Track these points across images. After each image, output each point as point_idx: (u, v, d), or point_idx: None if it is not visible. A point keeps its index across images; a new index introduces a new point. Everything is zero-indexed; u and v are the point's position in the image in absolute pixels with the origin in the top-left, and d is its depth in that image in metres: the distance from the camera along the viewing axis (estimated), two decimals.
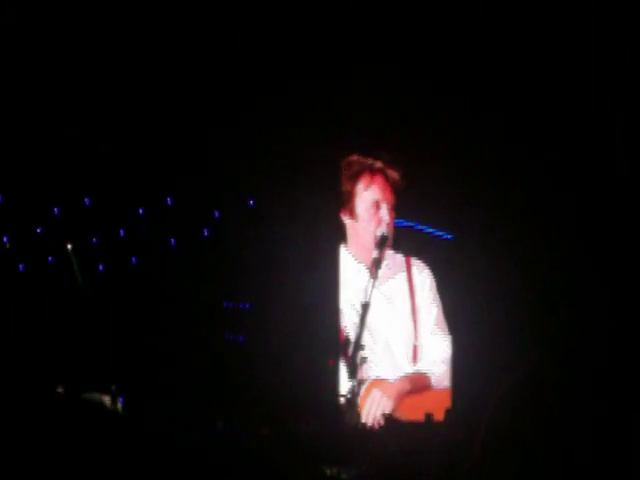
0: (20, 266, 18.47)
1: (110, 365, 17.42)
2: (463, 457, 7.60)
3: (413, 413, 11.16)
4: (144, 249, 18.45)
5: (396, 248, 13.07)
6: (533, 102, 13.35)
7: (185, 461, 7.71)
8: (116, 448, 7.57)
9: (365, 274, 11.85)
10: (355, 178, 13.09)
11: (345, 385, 11.52)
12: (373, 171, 12.64)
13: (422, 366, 12.30)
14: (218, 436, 11.28)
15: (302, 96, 15.30)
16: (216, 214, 18.42)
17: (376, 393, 11.61)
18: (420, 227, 14.05)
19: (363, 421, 11.05)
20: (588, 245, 12.93)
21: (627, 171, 12.86)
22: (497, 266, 13.32)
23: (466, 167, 13.95)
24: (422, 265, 12.87)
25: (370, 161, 12.78)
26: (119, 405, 16.47)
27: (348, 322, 12.41)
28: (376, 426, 10.72)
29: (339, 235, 15.42)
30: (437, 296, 12.67)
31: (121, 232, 18.61)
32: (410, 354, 12.84)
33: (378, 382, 12.01)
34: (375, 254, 11.62)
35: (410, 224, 13.88)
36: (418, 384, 12.10)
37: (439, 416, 9.83)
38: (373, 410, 11.64)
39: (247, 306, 18.68)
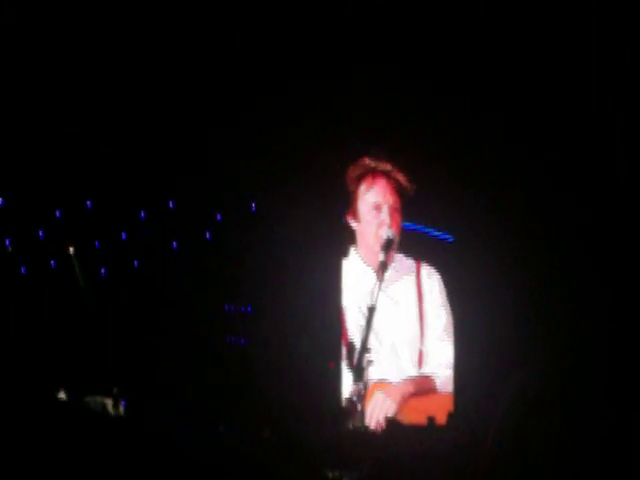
0: (22, 269, 18.48)
1: (112, 368, 17.42)
2: (466, 461, 7.60)
3: (416, 416, 11.14)
4: (146, 252, 18.45)
5: (406, 252, 13.06)
6: (532, 103, 13.35)
7: (187, 464, 7.71)
8: (118, 451, 7.56)
9: (372, 277, 11.85)
10: (358, 180, 13.11)
11: (350, 388, 11.51)
12: (375, 173, 12.63)
13: (428, 369, 12.29)
14: (220, 439, 11.28)
15: (303, 99, 15.31)
16: (218, 217, 18.42)
17: (379, 396, 11.60)
18: (419, 228, 14.04)
19: (366, 424, 11.04)
20: (589, 245, 12.93)
21: (627, 171, 12.86)
22: (498, 268, 13.31)
23: (465, 168, 13.94)
24: (432, 270, 12.85)
25: (374, 164, 12.79)
26: (121, 408, 16.48)
27: (354, 325, 12.42)
28: (379, 429, 10.71)
29: (341, 238, 15.42)
30: (446, 302, 12.66)
31: (123, 235, 18.62)
32: (415, 358, 12.82)
33: (381, 384, 12.00)
34: (381, 257, 11.60)
35: (410, 225, 13.88)
36: (423, 387, 12.09)
37: (442, 420, 9.83)
38: (376, 413, 11.63)
39: (249, 309, 18.69)
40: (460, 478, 7.28)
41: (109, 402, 16.23)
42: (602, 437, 7.15)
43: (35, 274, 18.26)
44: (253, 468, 8.93)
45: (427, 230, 13.89)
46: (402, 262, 12.30)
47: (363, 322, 11.28)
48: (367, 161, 13.16)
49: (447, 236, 13.96)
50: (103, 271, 18.83)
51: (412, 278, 12.35)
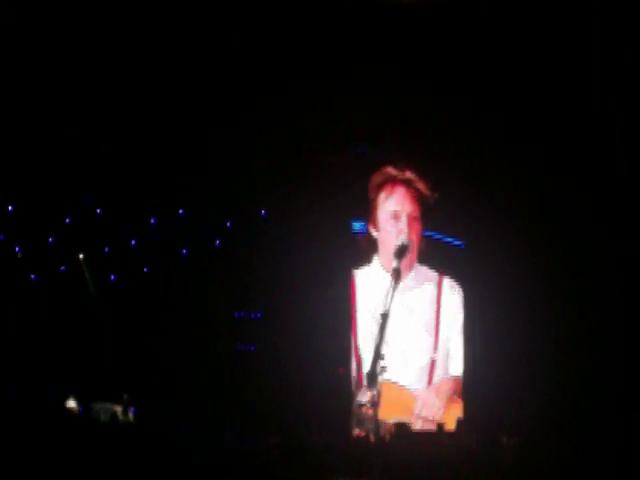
0: (32, 276, 18.53)
1: (122, 375, 17.43)
2: (476, 467, 7.55)
3: (451, 420, 11.10)
4: (156, 259, 18.48)
5: (430, 264, 13.05)
6: (543, 108, 13.32)
7: (195, 470, 7.67)
8: (126, 458, 7.53)
9: (388, 284, 11.80)
10: (378, 189, 13.11)
11: (363, 393, 11.45)
12: (395, 182, 12.63)
13: (436, 379, 12.24)
14: (228, 446, 11.22)
15: (314, 107, 15.31)
16: (228, 224, 18.45)
17: (429, 395, 11.53)
18: (431, 234, 14.03)
19: (383, 428, 10.94)
20: (599, 248, 12.88)
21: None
22: (509, 272, 13.27)
23: (476, 175, 13.91)
24: (455, 284, 12.81)
25: (395, 172, 12.79)
26: (131, 415, 16.48)
27: (368, 331, 12.37)
28: (388, 436, 10.65)
29: (350, 244, 15.38)
30: (462, 315, 12.61)
31: (133, 242, 18.65)
32: (426, 367, 12.78)
33: (390, 385, 11.96)
34: (394, 264, 11.51)
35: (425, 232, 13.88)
36: (458, 388, 12.08)
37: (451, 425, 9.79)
38: (425, 412, 11.56)
39: (258, 315, 18.71)
40: None
41: (119, 408, 16.25)
42: (618, 442, 7.09)
43: (45, 280, 18.29)
44: (262, 475, 8.88)
45: (439, 236, 13.88)
46: (424, 273, 12.25)
47: (376, 329, 11.20)
48: (389, 170, 13.18)
49: (458, 242, 13.96)
50: (113, 277, 18.87)
51: (432, 288, 12.28)
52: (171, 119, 16.07)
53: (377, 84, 14.17)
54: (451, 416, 10.35)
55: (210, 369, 17.10)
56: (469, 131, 13.76)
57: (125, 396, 18.52)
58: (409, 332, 12.01)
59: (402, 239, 11.66)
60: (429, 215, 13.34)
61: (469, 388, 13.25)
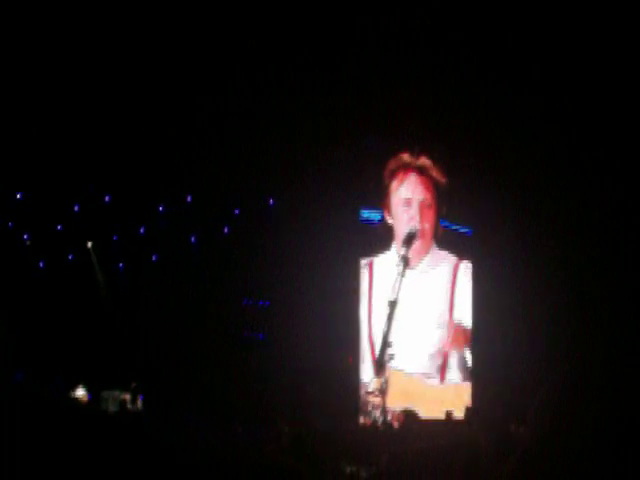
0: (40, 263, 18.54)
1: (130, 363, 17.45)
2: (483, 455, 7.54)
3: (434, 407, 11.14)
4: (164, 246, 18.48)
5: (449, 249, 13.08)
6: (549, 100, 13.29)
7: (202, 458, 7.69)
8: (135, 449, 7.55)
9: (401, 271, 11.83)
10: (391, 176, 13.21)
11: (371, 382, 11.51)
12: (408, 169, 12.69)
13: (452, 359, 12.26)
14: (237, 435, 11.27)
15: (321, 96, 15.29)
16: (236, 212, 18.43)
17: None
18: (444, 223, 14.04)
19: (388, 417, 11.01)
20: (606, 244, 12.85)
21: None
22: (522, 258, 13.26)
23: (486, 166, 13.89)
24: (469, 268, 12.83)
25: (410, 159, 12.85)
26: (139, 403, 16.51)
27: (380, 318, 12.43)
28: (396, 424, 10.70)
29: (359, 233, 15.40)
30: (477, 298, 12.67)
31: (141, 230, 18.65)
32: (436, 353, 12.79)
33: (396, 373, 11.98)
34: (402, 251, 11.59)
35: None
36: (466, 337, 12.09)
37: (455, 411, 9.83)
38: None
39: (266, 303, 18.71)
40: (475, 472, 7.22)
41: (127, 397, 16.29)
42: (629, 432, 7.08)
43: (53, 268, 18.30)
44: (271, 463, 8.89)
45: (447, 224, 13.89)
46: (441, 257, 12.31)
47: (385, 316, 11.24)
48: (404, 156, 13.25)
49: (466, 229, 13.96)
50: (121, 265, 18.88)
51: (448, 272, 12.37)
52: (180, 108, 16.09)
53: (388, 74, 14.16)
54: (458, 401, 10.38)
55: (218, 356, 17.11)
56: (484, 119, 13.73)
57: (134, 384, 18.60)
58: (421, 318, 12.08)
59: (411, 227, 11.73)
60: (443, 202, 13.37)
61: (478, 377, 13.29)
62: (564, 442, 6.51)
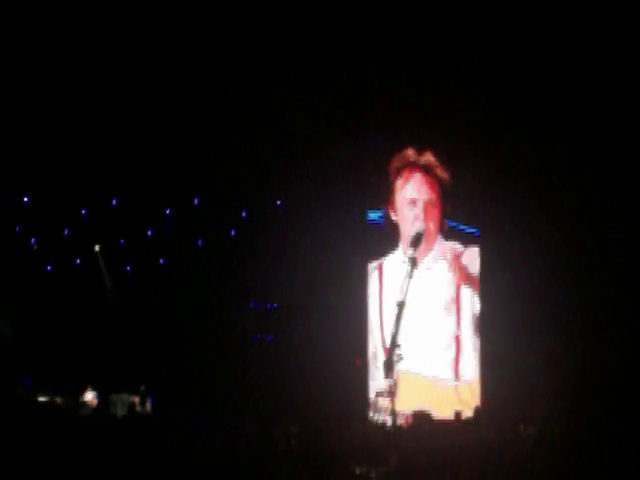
0: (48, 267, 18.56)
1: (139, 366, 17.45)
2: (493, 455, 7.54)
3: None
4: (171, 250, 18.49)
5: (452, 239, 13.08)
6: (553, 96, 13.26)
7: (211, 459, 7.69)
8: (144, 451, 7.55)
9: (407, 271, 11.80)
10: (396, 174, 13.19)
11: (380, 383, 11.49)
12: (413, 168, 12.68)
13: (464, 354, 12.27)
14: (245, 435, 11.26)
15: (325, 97, 15.28)
16: (243, 214, 18.44)
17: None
18: (450, 223, 14.05)
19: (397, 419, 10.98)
20: (612, 243, 12.83)
21: None
22: (526, 260, 13.23)
23: (490, 166, 13.87)
24: (474, 253, 12.76)
25: (415, 157, 12.83)
26: (148, 405, 16.51)
27: (389, 319, 12.40)
28: (405, 425, 10.67)
29: (365, 234, 15.39)
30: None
31: (149, 233, 18.66)
32: (448, 348, 12.77)
33: (408, 376, 11.96)
34: (410, 252, 11.53)
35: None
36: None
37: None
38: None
39: (275, 306, 18.72)
40: (486, 472, 7.22)
41: (136, 399, 16.30)
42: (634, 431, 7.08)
43: (61, 272, 18.31)
44: (281, 464, 8.91)
45: (454, 224, 13.88)
46: (443, 248, 12.30)
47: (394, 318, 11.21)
48: (408, 152, 13.24)
49: (473, 229, 13.96)
50: (129, 269, 18.89)
51: (451, 262, 12.37)
52: (185, 112, 16.09)
53: (391, 71, 14.15)
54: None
55: (227, 359, 17.11)
56: (487, 129, 13.72)
57: (142, 387, 18.62)
58: (429, 315, 12.07)
59: (417, 227, 11.70)
60: (448, 200, 13.34)
61: (487, 373, 13.26)
62: (572, 442, 6.50)
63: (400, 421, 11.38)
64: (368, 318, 15.25)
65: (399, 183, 12.90)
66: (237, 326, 17.94)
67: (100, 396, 16.58)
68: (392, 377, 10.54)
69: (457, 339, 12.96)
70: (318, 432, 9.88)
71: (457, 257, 13.01)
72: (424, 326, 13.11)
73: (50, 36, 14.41)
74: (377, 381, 13.46)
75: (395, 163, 13.34)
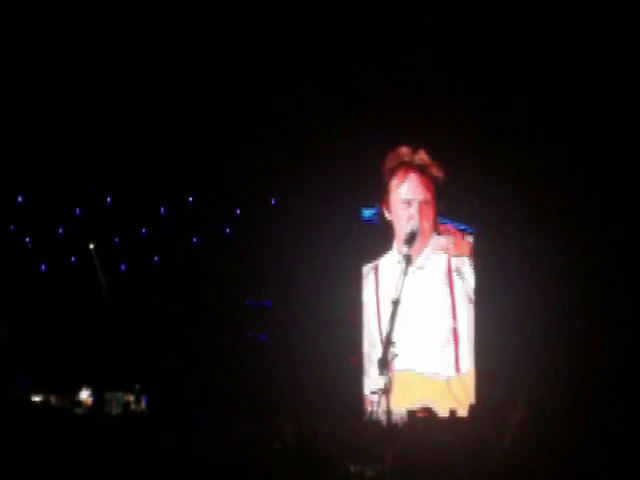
0: (43, 266, 18.56)
1: (133, 364, 17.47)
2: (488, 452, 7.55)
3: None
4: (166, 247, 18.51)
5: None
6: (549, 101, 13.29)
7: (206, 458, 7.71)
8: (139, 446, 7.57)
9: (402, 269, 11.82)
10: (391, 174, 13.19)
11: (375, 381, 11.49)
12: (408, 167, 12.71)
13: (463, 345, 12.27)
14: (242, 433, 11.27)
15: (323, 95, 15.29)
16: (237, 212, 18.46)
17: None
18: (441, 220, 14.07)
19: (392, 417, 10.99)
20: (607, 242, 12.85)
21: None
22: (519, 257, 13.25)
23: (487, 165, 13.89)
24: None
25: (409, 156, 12.85)
26: (143, 403, 16.53)
27: (384, 317, 12.42)
28: (400, 423, 10.69)
29: (360, 232, 15.41)
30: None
31: (143, 231, 18.67)
32: (450, 336, 12.80)
33: (407, 374, 11.98)
34: (405, 250, 11.55)
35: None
36: None
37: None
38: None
39: (269, 304, 18.73)
40: (482, 469, 7.24)
41: (131, 398, 16.31)
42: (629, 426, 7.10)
43: (55, 271, 18.32)
44: (276, 462, 8.91)
45: (449, 221, 13.91)
46: (437, 244, 12.33)
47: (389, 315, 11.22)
48: (403, 151, 13.25)
49: (466, 227, 14.00)
50: (123, 267, 18.90)
51: (444, 257, 12.40)
52: (179, 109, 16.09)
53: (388, 69, 14.16)
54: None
55: (222, 357, 17.13)
56: (484, 127, 13.73)
57: (137, 385, 18.62)
58: (426, 312, 12.09)
59: (412, 225, 11.72)
60: (442, 199, 13.33)
61: (481, 374, 13.29)
62: (571, 441, 6.51)
63: (395, 418, 11.42)
64: (363, 316, 15.29)
65: (393, 183, 12.92)
66: (232, 324, 17.96)
67: (95, 395, 16.59)
68: (387, 375, 10.57)
69: (455, 332, 12.99)
70: (314, 430, 9.89)
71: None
72: (421, 323, 13.14)
73: (42, 33, 14.41)
74: (373, 379, 13.49)
75: (389, 162, 13.35)
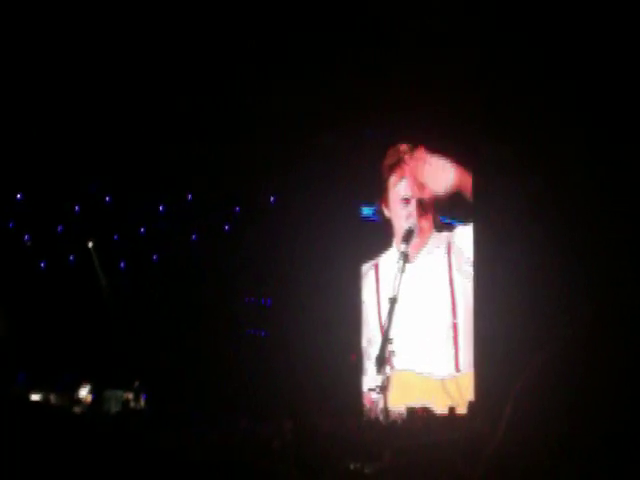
0: (42, 264, 18.55)
1: (132, 362, 17.46)
2: (487, 449, 7.52)
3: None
4: (165, 245, 18.51)
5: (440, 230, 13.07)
6: (548, 99, 13.27)
7: (206, 456, 7.70)
8: (138, 444, 7.56)
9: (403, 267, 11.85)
10: (389, 171, 13.20)
11: (373, 379, 11.51)
12: (406, 165, 12.70)
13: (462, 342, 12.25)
14: (241, 431, 11.25)
15: (323, 94, 15.29)
16: (236, 210, 18.46)
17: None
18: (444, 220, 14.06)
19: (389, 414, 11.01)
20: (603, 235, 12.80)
21: None
22: (516, 252, 13.21)
23: (482, 161, 13.87)
24: (465, 236, 12.71)
25: (408, 153, 12.85)
26: (142, 401, 16.52)
27: (385, 315, 12.43)
28: (399, 420, 10.69)
29: (359, 231, 15.41)
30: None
31: (142, 229, 18.66)
32: (450, 333, 12.80)
33: (406, 374, 11.99)
34: (402, 248, 11.61)
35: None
36: None
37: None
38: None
39: (268, 302, 18.73)
40: (480, 467, 7.21)
41: (130, 396, 16.30)
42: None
43: (54, 268, 18.31)
44: (275, 459, 8.90)
45: (448, 220, 13.90)
46: (437, 239, 12.33)
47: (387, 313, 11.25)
48: (401, 148, 13.25)
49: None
50: (122, 265, 18.89)
51: (443, 253, 12.42)
52: (178, 107, 16.08)
53: (387, 68, 14.15)
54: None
55: (221, 354, 17.14)
56: (479, 120, 13.70)
57: (136, 383, 18.61)
58: (425, 311, 12.11)
59: (410, 223, 11.75)
60: (440, 197, 13.28)
61: (481, 372, 13.26)
62: (571, 441, 6.48)
63: (393, 416, 11.43)
64: (363, 314, 15.28)
65: (392, 180, 12.93)
66: (231, 322, 17.96)
67: (94, 392, 16.58)
68: (384, 373, 10.59)
69: (455, 327, 12.96)
70: (313, 428, 9.88)
71: (449, 247, 12.99)
72: (421, 321, 13.13)
73: (42, 32, 14.40)
74: (371, 377, 13.49)
75: (388, 160, 13.37)
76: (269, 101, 15.68)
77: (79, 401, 16.31)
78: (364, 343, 14.93)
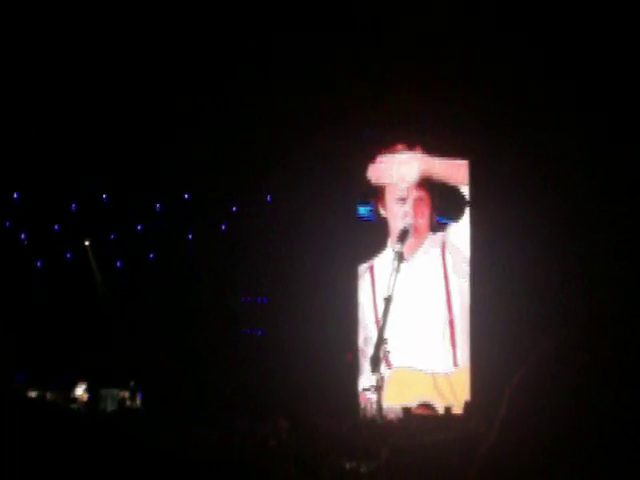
0: (38, 263, 18.54)
1: (128, 361, 17.45)
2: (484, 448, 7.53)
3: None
4: (162, 244, 18.50)
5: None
6: (547, 98, 13.27)
7: (202, 455, 7.71)
8: (133, 443, 7.56)
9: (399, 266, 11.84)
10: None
11: (368, 378, 11.52)
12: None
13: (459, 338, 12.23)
14: (237, 431, 11.25)
15: (318, 93, 15.30)
16: (233, 209, 18.46)
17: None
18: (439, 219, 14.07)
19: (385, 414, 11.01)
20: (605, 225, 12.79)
21: None
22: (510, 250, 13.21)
23: (479, 159, 13.88)
24: (460, 232, 12.72)
25: (406, 153, 12.86)
26: (138, 400, 16.51)
27: (379, 314, 12.44)
28: (395, 420, 10.70)
29: (356, 230, 15.41)
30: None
31: (139, 228, 18.66)
32: (447, 330, 12.81)
33: (404, 371, 12.01)
34: (397, 247, 11.62)
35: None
36: None
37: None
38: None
39: (265, 301, 18.74)
40: (476, 466, 7.22)
41: (126, 395, 16.29)
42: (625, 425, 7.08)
43: (51, 267, 18.29)
44: (271, 459, 8.90)
45: (444, 220, 13.91)
46: (433, 242, 12.36)
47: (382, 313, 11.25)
48: (398, 148, 13.27)
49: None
50: (119, 263, 18.88)
51: (438, 252, 12.45)
52: (176, 106, 16.09)
53: (384, 68, 14.16)
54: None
55: (217, 353, 17.14)
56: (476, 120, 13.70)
57: (132, 382, 18.60)
58: (422, 309, 12.13)
59: (405, 223, 11.77)
60: (436, 196, 13.30)
61: (477, 372, 13.28)
62: (571, 441, 6.49)
63: (389, 416, 11.43)
64: (359, 314, 15.30)
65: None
66: (228, 321, 17.96)
67: (90, 391, 16.58)
68: (379, 373, 10.59)
69: (451, 324, 12.99)
70: (309, 427, 9.89)
71: (443, 247, 13.01)
72: (418, 320, 13.15)
73: (41, 32, 14.41)
74: (367, 376, 13.50)
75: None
76: (266, 101, 15.69)
77: (75, 399, 16.31)
78: (360, 342, 14.95)
